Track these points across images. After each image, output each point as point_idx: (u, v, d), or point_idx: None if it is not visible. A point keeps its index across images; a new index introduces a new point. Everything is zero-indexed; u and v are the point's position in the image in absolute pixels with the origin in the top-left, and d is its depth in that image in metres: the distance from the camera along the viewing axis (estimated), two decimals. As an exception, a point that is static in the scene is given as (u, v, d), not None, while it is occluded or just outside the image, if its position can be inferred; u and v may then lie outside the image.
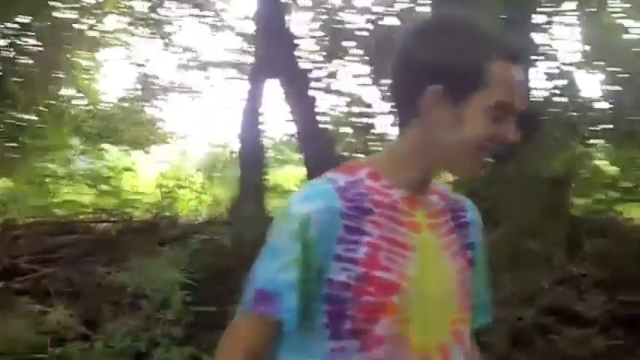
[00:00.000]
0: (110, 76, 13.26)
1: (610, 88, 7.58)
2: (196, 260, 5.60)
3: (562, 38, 7.87)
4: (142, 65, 11.07)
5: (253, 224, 6.65)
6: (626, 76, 7.26)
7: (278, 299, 1.39)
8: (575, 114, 7.48)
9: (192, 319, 4.75)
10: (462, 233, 1.53)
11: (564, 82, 7.41)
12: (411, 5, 8.99)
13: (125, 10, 10.97)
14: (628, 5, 7.22)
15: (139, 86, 11.29)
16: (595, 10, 7.78)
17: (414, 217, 1.45)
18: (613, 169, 7.49)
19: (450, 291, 1.46)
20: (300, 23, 9.36)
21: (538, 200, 5.93)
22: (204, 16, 10.09)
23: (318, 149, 8.01)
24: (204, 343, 4.46)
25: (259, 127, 8.36)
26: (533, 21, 7.33)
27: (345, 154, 9.64)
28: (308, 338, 1.42)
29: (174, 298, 4.71)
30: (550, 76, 7.38)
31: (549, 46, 7.73)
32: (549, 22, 7.76)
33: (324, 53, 9.31)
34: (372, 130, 9.45)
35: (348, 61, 9.35)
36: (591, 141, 7.17)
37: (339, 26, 9.03)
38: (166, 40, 10.70)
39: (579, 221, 6.71)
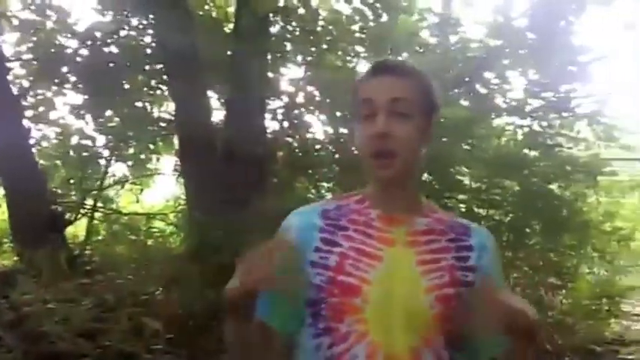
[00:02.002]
0: None
1: (336, 130, 7.61)
2: None
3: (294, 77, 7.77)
4: None
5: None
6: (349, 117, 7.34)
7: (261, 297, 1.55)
8: (301, 154, 7.41)
9: None
10: (461, 255, 1.68)
11: (294, 122, 7.30)
12: (133, 33, 8.43)
13: None
14: (362, 49, 7.33)
15: None
16: (321, 49, 7.85)
17: (389, 232, 1.66)
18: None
19: (419, 300, 1.59)
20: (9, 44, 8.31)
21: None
22: None
23: (25, 185, 7.08)
24: None
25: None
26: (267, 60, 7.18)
27: (59, 190, 8.75)
28: (303, 338, 1.64)
29: None
30: (281, 116, 7.22)
31: (280, 85, 7.61)
32: (282, 60, 7.66)
33: (32, 78, 8.33)
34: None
35: (64, 88, 8.46)
36: (324, 184, 7.09)
37: (55, 50, 8.12)
38: None
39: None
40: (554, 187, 5.58)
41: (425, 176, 5.58)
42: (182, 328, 4.78)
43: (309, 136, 7.51)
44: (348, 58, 7.82)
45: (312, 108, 7.77)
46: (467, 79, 5.60)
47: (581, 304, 5.89)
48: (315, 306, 1.61)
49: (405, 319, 1.57)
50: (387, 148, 1.59)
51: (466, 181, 5.64)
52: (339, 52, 7.80)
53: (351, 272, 1.60)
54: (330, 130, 7.56)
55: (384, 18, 7.04)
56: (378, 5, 7.23)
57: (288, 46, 7.98)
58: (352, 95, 1.67)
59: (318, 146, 7.26)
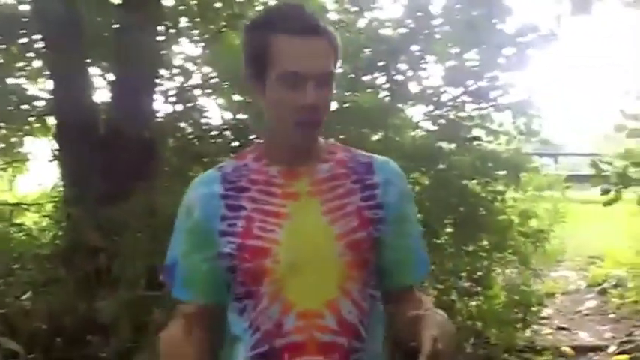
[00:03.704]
0: None
1: (234, 115, 6.99)
2: None
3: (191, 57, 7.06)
4: None
5: None
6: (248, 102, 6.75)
7: (172, 270, 1.73)
8: (196, 141, 6.77)
9: None
10: (368, 195, 1.70)
11: (188, 105, 6.62)
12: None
13: None
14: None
15: None
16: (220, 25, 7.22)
17: (291, 187, 1.68)
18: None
19: (328, 250, 1.62)
20: None
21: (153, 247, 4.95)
22: None
23: None
24: None
25: None
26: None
27: None
28: (231, 303, 1.69)
29: None
30: (173, 98, 6.53)
31: (173, 64, 6.90)
32: (176, 36, 6.96)
33: None
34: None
35: None
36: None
37: None
38: None
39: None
40: (471, 183, 5.17)
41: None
42: (48, 347, 4.07)
43: (204, 121, 6.87)
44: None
45: (208, 90, 7.13)
46: (381, 64, 5.06)
47: (495, 311, 5.53)
48: (231, 273, 1.64)
49: (317, 273, 1.60)
50: (314, 120, 1.61)
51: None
52: (241, 30, 7.13)
53: (259, 235, 1.62)
54: (228, 116, 6.94)
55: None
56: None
57: (183, 21, 7.29)
58: (254, 43, 1.63)
59: (214, 132, 6.62)
